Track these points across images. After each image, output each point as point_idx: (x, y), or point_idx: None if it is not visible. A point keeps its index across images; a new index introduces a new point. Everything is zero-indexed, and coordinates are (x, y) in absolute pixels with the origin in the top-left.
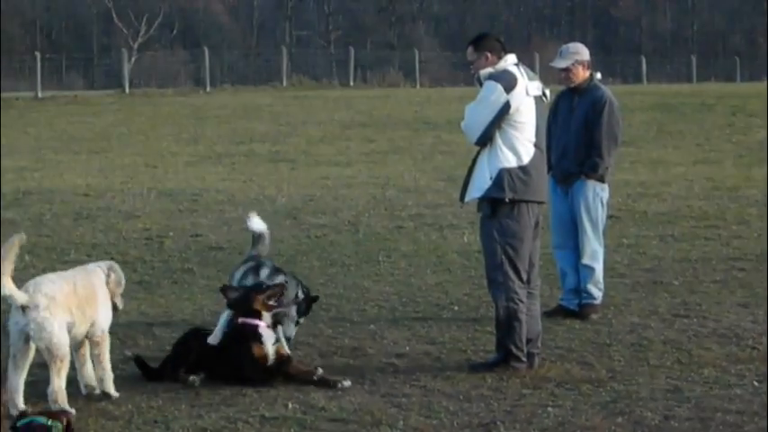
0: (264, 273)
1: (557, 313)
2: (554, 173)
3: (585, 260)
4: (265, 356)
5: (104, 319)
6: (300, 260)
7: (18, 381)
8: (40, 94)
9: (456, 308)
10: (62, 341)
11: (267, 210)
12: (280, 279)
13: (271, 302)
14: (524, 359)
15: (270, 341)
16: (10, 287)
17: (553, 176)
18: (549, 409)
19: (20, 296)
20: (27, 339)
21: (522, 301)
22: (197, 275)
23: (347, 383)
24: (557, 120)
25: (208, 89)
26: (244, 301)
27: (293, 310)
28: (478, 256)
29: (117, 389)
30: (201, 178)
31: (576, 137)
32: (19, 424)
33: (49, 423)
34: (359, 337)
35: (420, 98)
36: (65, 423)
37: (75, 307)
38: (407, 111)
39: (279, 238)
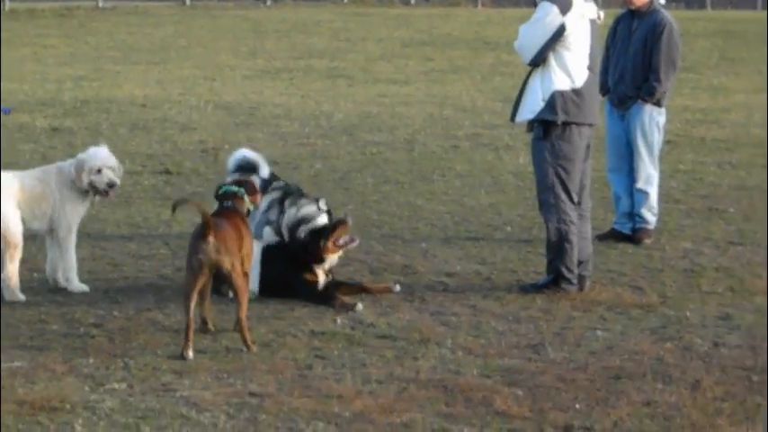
0: (290, 202)
1: (609, 237)
2: (611, 96)
3: (640, 185)
4: (316, 282)
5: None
6: (354, 177)
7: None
8: (101, 4)
9: (509, 228)
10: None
11: (323, 125)
12: (308, 207)
13: (340, 243)
14: (575, 281)
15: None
16: None
17: (610, 100)
18: (598, 332)
19: None
20: None
21: (573, 223)
22: None
23: (360, 307)
24: (615, 43)
25: (268, 3)
26: (312, 249)
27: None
28: (533, 177)
29: (170, 298)
30: (259, 92)
31: (634, 60)
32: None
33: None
34: (410, 255)
35: (481, 18)
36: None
37: (23, 202)
38: (468, 30)
39: (334, 155)
